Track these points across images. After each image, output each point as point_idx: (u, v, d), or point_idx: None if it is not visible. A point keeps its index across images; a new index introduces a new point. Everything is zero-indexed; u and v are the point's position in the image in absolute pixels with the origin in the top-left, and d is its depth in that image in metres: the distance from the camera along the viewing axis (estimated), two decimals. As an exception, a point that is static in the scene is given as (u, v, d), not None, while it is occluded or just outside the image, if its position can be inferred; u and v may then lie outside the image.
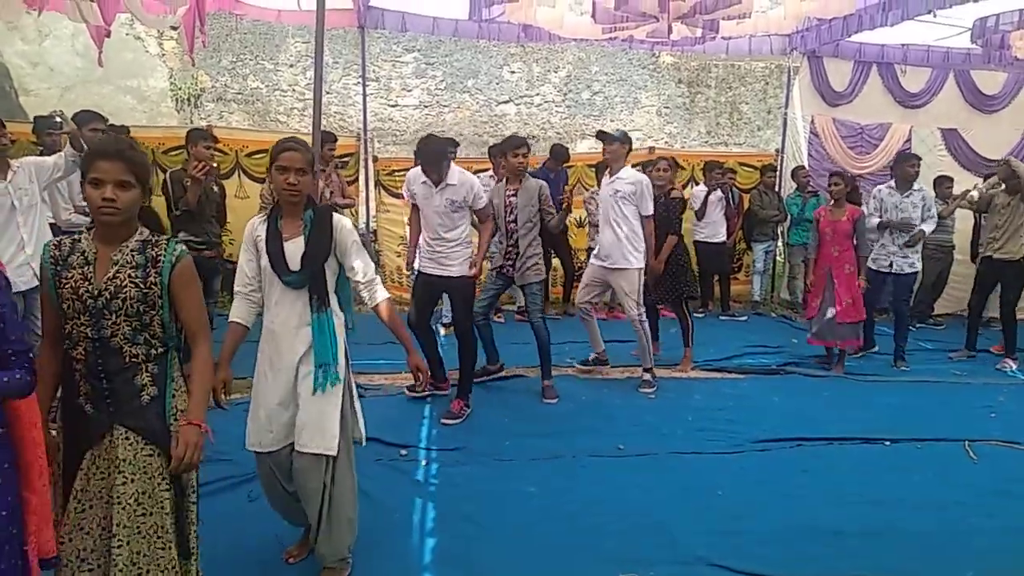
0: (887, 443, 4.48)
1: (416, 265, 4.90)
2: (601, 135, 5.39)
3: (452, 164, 4.64)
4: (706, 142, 10.95)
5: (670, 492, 3.74)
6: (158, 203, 6.13)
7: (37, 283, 3.46)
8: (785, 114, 8.92)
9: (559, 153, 7.57)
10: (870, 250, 6.19)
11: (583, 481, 3.84)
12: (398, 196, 7.28)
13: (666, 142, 10.63)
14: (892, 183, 6.43)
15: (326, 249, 2.66)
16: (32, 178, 4.08)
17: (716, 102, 11.03)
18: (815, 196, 7.80)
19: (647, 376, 5.45)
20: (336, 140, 6.62)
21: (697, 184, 8.55)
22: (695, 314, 8.30)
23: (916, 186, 6.29)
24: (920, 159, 6.56)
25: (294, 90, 10.20)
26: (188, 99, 9.88)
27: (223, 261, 6.37)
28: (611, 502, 3.60)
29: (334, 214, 2.73)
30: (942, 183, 7.46)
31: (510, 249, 5.13)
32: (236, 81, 10.10)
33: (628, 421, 4.74)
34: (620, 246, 5.28)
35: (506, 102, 10.70)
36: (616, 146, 5.25)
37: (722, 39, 7.94)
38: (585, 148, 10.45)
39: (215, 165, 6.25)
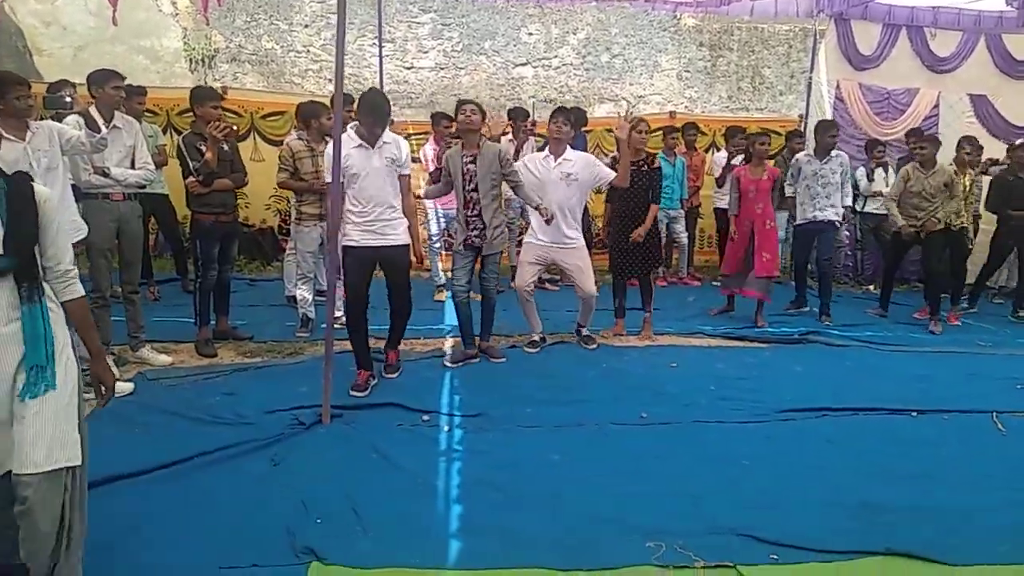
0: (914, 414, 4.42)
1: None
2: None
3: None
4: (727, 107, 10.75)
5: (694, 461, 3.70)
6: (171, 170, 6.07)
7: None
8: (810, 78, 8.72)
9: (577, 117, 7.43)
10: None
11: (607, 449, 3.81)
12: (415, 160, 7.20)
13: (686, 107, 10.43)
14: (811, 151, 6.69)
15: (33, 225, 2.21)
16: (53, 141, 3.98)
17: (738, 66, 10.80)
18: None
19: (586, 332, 5.75)
20: (354, 102, 6.50)
21: (719, 150, 8.42)
22: (714, 282, 8.28)
23: (834, 153, 6.52)
24: (839, 128, 6.92)
25: (309, 51, 10.05)
26: (202, 60, 9.75)
27: (240, 225, 6.32)
28: (635, 471, 3.56)
29: (35, 185, 2.27)
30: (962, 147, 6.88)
31: (472, 219, 4.95)
32: (250, 42, 9.95)
33: (651, 390, 4.69)
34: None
35: (523, 64, 10.51)
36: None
37: (747, 0, 7.74)
38: (603, 112, 10.28)
39: (235, 128, 6.16)
